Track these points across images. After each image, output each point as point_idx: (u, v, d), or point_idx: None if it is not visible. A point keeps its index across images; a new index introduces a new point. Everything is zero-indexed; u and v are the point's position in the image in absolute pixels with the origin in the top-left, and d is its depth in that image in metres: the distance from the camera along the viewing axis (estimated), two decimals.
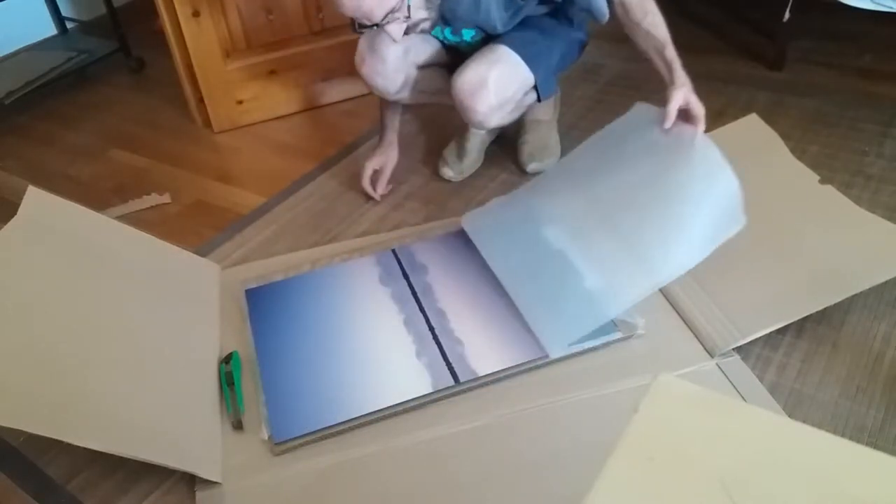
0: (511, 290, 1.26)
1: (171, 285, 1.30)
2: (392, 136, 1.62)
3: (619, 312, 1.18)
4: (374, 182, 1.60)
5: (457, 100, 1.39)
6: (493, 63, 1.36)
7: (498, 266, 1.31)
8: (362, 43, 1.44)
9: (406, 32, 1.27)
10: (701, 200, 1.19)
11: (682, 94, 1.22)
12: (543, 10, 1.42)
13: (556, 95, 1.71)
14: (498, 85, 1.36)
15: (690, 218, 1.18)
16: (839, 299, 1.13)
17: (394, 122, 1.61)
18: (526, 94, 1.44)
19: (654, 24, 1.27)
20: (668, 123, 1.24)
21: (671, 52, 1.26)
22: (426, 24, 1.30)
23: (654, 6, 1.28)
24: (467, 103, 1.38)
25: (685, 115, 1.24)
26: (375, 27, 1.23)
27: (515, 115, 1.53)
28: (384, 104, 1.60)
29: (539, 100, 1.47)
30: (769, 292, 1.17)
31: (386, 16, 1.20)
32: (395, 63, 1.43)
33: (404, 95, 1.50)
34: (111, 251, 1.25)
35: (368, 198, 1.60)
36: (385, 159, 1.61)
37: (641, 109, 1.34)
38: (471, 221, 1.42)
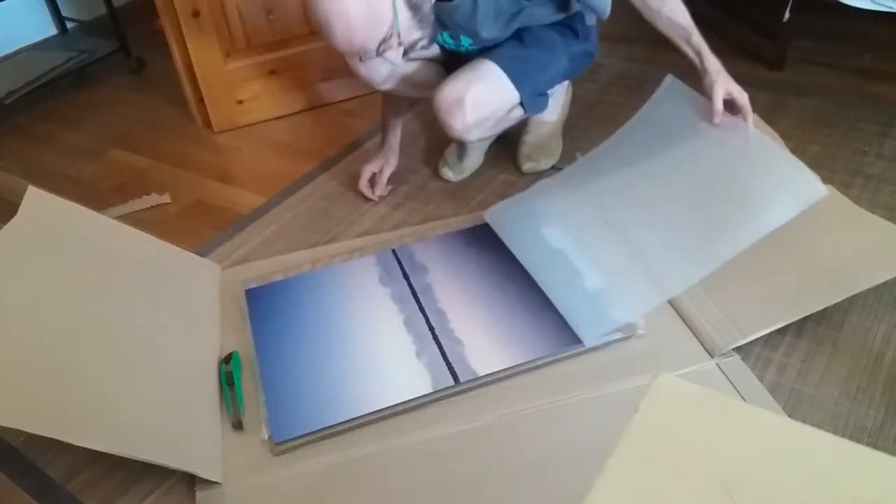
0: (541, 280, 1.26)
1: (171, 285, 1.30)
2: (393, 142, 1.62)
3: (673, 295, 1.19)
4: (371, 185, 1.60)
5: (436, 113, 1.40)
6: (473, 81, 1.36)
7: (525, 256, 1.31)
8: None
9: (405, 53, 1.25)
10: (764, 189, 1.19)
11: (723, 84, 1.22)
12: (549, 17, 1.41)
13: (566, 98, 1.70)
14: (475, 104, 1.35)
15: (755, 205, 1.19)
16: (839, 299, 1.13)
17: (396, 128, 1.61)
18: (511, 110, 1.43)
19: (674, 9, 1.26)
20: (718, 119, 1.24)
21: (698, 38, 1.25)
22: (424, 42, 1.28)
23: None
24: (444, 119, 1.38)
25: (729, 103, 1.24)
26: (375, 56, 1.23)
27: (501, 128, 1.53)
28: (386, 108, 1.60)
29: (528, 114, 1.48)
30: (769, 292, 1.17)
31: (380, 46, 1.20)
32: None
33: (393, 86, 1.49)
34: (111, 251, 1.25)
35: (367, 199, 1.60)
36: (384, 163, 1.61)
37: (676, 89, 1.34)
38: (494, 214, 1.42)
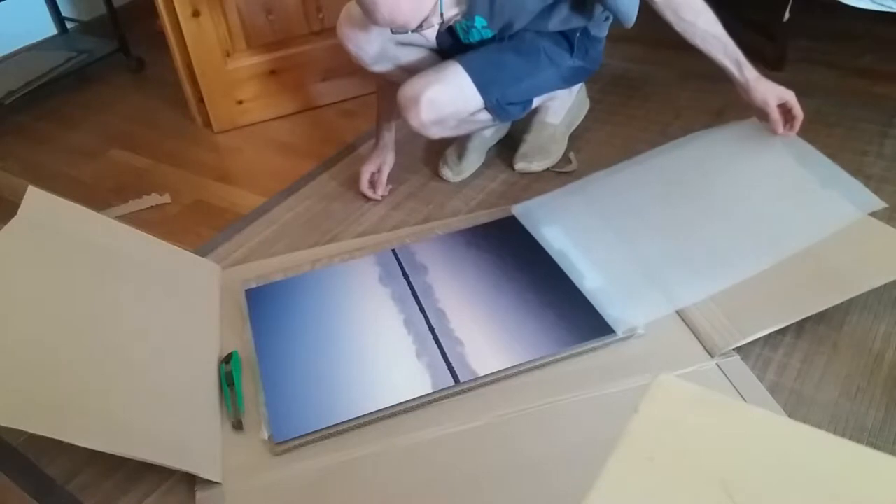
0: (570, 271, 1.29)
1: (171, 285, 1.30)
2: (388, 139, 1.61)
3: (695, 301, 1.21)
4: (372, 185, 1.60)
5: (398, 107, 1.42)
6: (433, 82, 1.37)
7: (553, 245, 1.34)
8: (344, 8, 1.44)
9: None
10: (804, 198, 1.27)
11: (774, 92, 1.26)
12: (563, 24, 1.41)
13: (575, 102, 1.69)
14: (430, 103, 1.37)
15: (782, 225, 1.25)
16: (839, 301, 1.13)
17: (389, 124, 1.61)
18: (476, 113, 1.44)
19: (710, 21, 1.26)
20: (780, 129, 1.28)
21: (733, 47, 1.26)
22: (457, 18, 1.30)
23: (703, 3, 1.26)
24: (403, 113, 1.40)
25: (781, 108, 1.28)
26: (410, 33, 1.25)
27: (469, 129, 1.55)
28: (381, 102, 1.59)
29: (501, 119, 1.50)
30: (769, 292, 1.17)
31: (421, 23, 1.21)
32: (366, 34, 1.41)
33: (384, 69, 1.49)
34: (111, 251, 1.25)
35: (368, 199, 1.60)
36: (381, 161, 1.60)
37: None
38: (521, 207, 1.45)
